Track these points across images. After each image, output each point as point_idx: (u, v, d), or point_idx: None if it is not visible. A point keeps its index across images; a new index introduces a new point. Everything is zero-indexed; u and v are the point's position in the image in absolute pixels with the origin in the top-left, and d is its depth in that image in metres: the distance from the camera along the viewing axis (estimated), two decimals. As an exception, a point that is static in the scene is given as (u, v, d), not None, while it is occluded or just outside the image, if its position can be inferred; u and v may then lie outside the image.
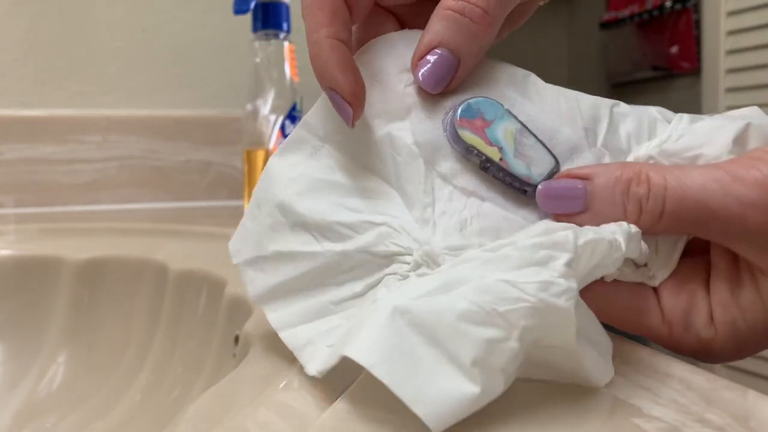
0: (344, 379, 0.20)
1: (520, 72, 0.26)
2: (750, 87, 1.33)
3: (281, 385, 0.22)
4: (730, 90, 1.37)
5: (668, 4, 1.74)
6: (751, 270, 0.22)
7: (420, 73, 0.24)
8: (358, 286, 0.23)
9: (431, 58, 0.24)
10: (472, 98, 0.24)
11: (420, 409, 0.16)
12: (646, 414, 0.18)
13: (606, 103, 0.25)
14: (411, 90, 0.25)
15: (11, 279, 0.47)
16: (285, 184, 0.25)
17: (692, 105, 1.63)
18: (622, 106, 0.25)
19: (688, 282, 0.23)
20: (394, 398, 0.16)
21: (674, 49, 1.76)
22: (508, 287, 0.17)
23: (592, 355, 0.19)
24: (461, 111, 0.23)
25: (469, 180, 0.23)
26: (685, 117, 0.25)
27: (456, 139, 0.23)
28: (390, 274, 0.22)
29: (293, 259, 0.24)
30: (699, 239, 0.23)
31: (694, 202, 0.21)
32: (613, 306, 0.23)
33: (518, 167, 0.23)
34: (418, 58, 0.24)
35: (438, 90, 0.24)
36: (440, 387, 0.16)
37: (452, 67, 0.24)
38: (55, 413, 0.42)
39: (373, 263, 0.23)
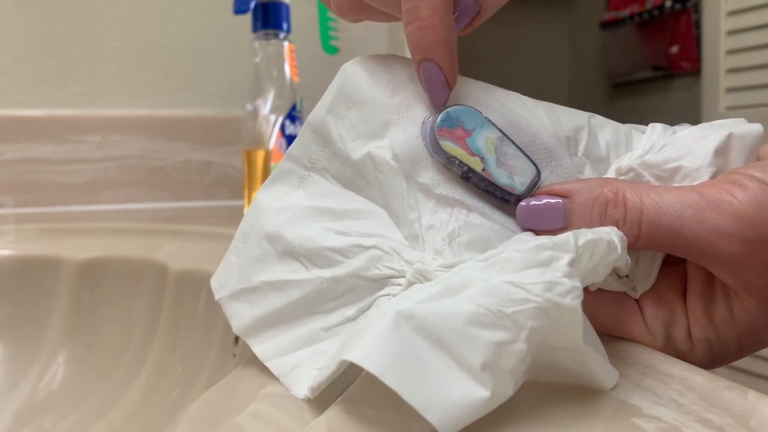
0: (344, 379, 0.20)
1: (499, 88, 0.26)
2: (750, 87, 1.32)
3: (281, 385, 0.22)
4: (730, 90, 1.36)
5: (668, 4, 1.74)
6: (725, 289, 0.22)
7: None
8: (350, 311, 0.23)
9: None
10: (450, 107, 0.23)
11: (432, 417, 0.16)
12: (646, 414, 0.18)
13: (582, 114, 0.25)
14: (389, 104, 0.24)
15: (11, 279, 0.47)
16: (273, 215, 0.25)
17: (692, 105, 1.62)
18: (598, 118, 0.26)
19: (667, 294, 0.24)
20: (394, 398, 0.16)
21: (674, 49, 1.76)
22: (514, 288, 0.17)
23: (597, 357, 0.19)
24: (440, 120, 0.23)
25: (452, 188, 0.23)
26: (658, 126, 0.25)
27: (437, 150, 0.23)
28: (383, 296, 0.22)
29: (281, 288, 0.24)
30: None
31: (669, 229, 0.21)
32: (599, 315, 0.23)
33: (501, 177, 0.23)
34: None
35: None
36: (451, 392, 0.16)
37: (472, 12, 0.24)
38: (55, 413, 0.42)
39: (365, 288, 0.23)
